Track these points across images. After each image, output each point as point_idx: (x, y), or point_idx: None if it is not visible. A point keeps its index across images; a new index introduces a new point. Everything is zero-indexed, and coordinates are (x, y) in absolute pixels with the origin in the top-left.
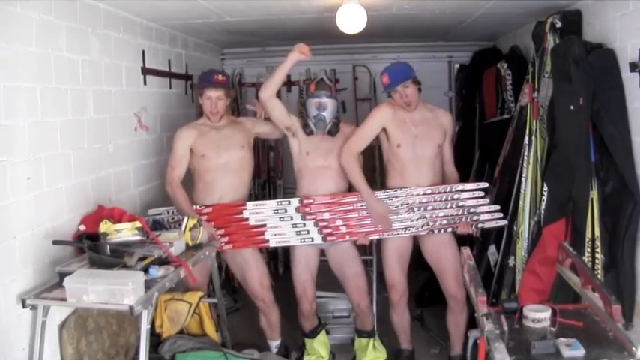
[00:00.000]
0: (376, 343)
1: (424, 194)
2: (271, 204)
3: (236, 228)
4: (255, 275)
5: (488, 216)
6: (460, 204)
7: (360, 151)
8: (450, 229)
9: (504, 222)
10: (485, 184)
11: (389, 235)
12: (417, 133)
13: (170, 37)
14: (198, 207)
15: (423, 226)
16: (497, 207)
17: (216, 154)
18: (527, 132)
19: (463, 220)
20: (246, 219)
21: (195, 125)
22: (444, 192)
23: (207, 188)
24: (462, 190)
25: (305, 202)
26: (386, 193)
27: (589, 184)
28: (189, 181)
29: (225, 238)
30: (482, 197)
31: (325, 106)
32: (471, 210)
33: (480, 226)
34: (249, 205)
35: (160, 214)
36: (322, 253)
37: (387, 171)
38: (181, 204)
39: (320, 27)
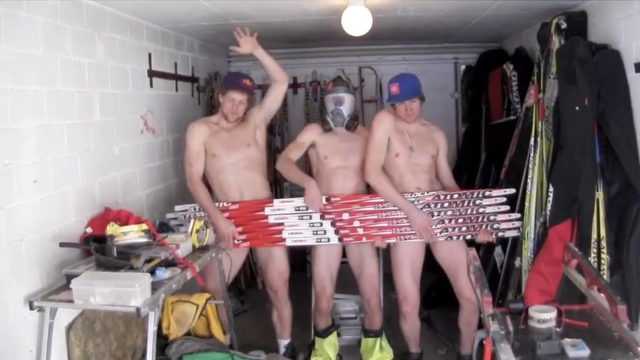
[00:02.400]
0: (383, 343)
1: (446, 198)
2: (298, 201)
3: (254, 226)
4: (276, 266)
5: (509, 224)
6: (480, 210)
7: (382, 164)
8: (469, 236)
9: None
10: (512, 190)
11: (405, 240)
12: (412, 144)
13: (176, 39)
14: (224, 204)
15: (441, 232)
16: (518, 215)
17: (226, 154)
18: (532, 133)
19: (483, 227)
20: (266, 217)
21: (207, 122)
22: (467, 197)
23: (224, 189)
24: (488, 196)
25: (332, 199)
26: (412, 197)
27: (594, 185)
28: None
29: (243, 236)
30: (503, 203)
31: (342, 100)
32: (491, 217)
33: (500, 234)
34: (277, 202)
35: (185, 210)
36: (344, 254)
37: None
38: (202, 200)
39: (325, 29)
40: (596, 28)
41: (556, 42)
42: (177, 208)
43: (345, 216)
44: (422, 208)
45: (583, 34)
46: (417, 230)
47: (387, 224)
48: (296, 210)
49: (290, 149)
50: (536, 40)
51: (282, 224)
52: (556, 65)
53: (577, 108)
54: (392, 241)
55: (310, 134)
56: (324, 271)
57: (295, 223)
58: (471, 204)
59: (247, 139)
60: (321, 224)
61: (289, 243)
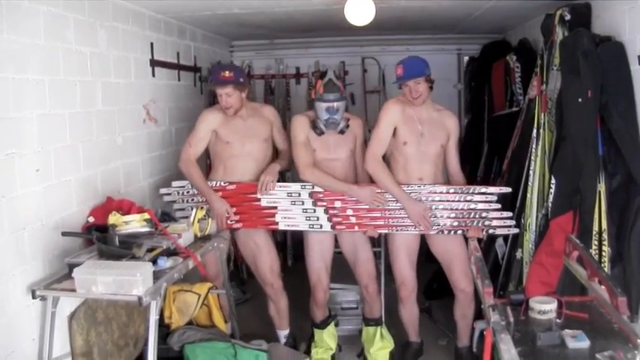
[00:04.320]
0: (383, 331)
1: (441, 192)
2: (295, 187)
3: (247, 208)
4: (266, 260)
5: (500, 222)
6: (472, 206)
7: (383, 154)
8: (459, 232)
9: (516, 230)
10: (509, 189)
11: (398, 231)
12: (423, 130)
13: (179, 29)
14: (222, 183)
15: (432, 226)
16: (510, 214)
17: (240, 142)
18: (535, 125)
19: (475, 223)
20: (259, 199)
21: (221, 110)
22: (460, 192)
23: (227, 172)
24: (483, 193)
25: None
26: (407, 188)
27: (596, 177)
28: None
29: (237, 217)
30: (494, 201)
31: (336, 109)
32: (483, 214)
33: (490, 232)
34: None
35: (183, 187)
36: (336, 245)
37: (390, 165)
38: (197, 181)
39: (328, 19)
40: (600, 20)
41: (560, 33)
42: (175, 183)
43: (338, 204)
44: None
45: (587, 25)
46: (413, 220)
47: (379, 214)
48: (288, 195)
49: (303, 155)
50: (539, 32)
51: (275, 208)
52: (559, 57)
53: (580, 100)
54: (384, 231)
55: (303, 132)
56: (318, 261)
57: (288, 207)
58: (462, 199)
59: (265, 134)
60: (314, 211)
61: (282, 227)
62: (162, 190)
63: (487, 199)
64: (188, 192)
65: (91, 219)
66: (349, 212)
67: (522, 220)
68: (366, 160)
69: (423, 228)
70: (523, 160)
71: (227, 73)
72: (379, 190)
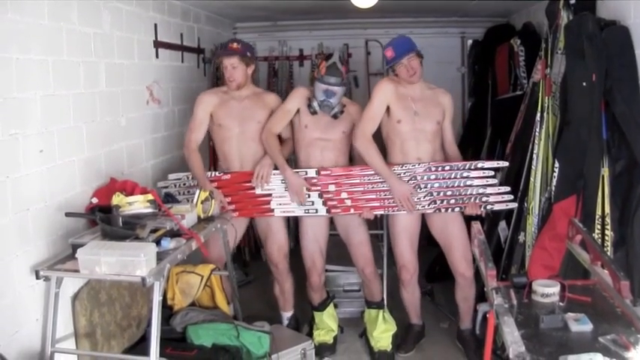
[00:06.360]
0: (386, 314)
1: (436, 170)
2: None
3: (242, 197)
4: (275, 240)
5: (498, 197)
6: (468, 183)
7: (373, 132)
8: (457, 209)
9: (514, 204)
10: (506, 163)
11: (394, 212)
12: (417, 109)
13: (182, 10)
14: (217, 174)
15: (429, 204)
16: (508, 188)
17: (232, 124)
18: (539, 108)
19: (472, 200)
20: (253, 188)
21: (217, 92)
22: (456, 169)
23: (226, 158)
24: (480, 168)
25: (323, 172)
26: (401, 168)
27: (600, 162)
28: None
29: (232, 206)
30: (491, 177)
31: (333, 93)
32: (480, 190)
33: (489, 207)
34: None
35: (179, 179)
36: (333, 227)
37: (387, 147)
38: (194, 168)
39: (332, 1)
40: (605, 4)
41: (564, 17)
42: (171, 176)
43: (332, 188)
44: (408, 180)
45: (592, 9)
46: (396, 199)
47: (374, 196)
48: (281, 182)
49: (276, 120)
50: (544, 16)
51: (270, 195)
52: (564, 40)
53: (584, 84)
54: (380, 212)
55: (297, 101)
56: (312, 245)
57: (283, 194)
58: (459, 176)
59: (260, 117)
60: (309, 195)
61: (277, 213)
62: (160, 184)
63: (484, 175)
64: (184, 184)
65: (95, 200)
66: (344, 195)
67: (525, 204)
68: (355, 137)
69: (404, 209)
70: (526, 144)
71: (235, 45)
72: (306, 182)
